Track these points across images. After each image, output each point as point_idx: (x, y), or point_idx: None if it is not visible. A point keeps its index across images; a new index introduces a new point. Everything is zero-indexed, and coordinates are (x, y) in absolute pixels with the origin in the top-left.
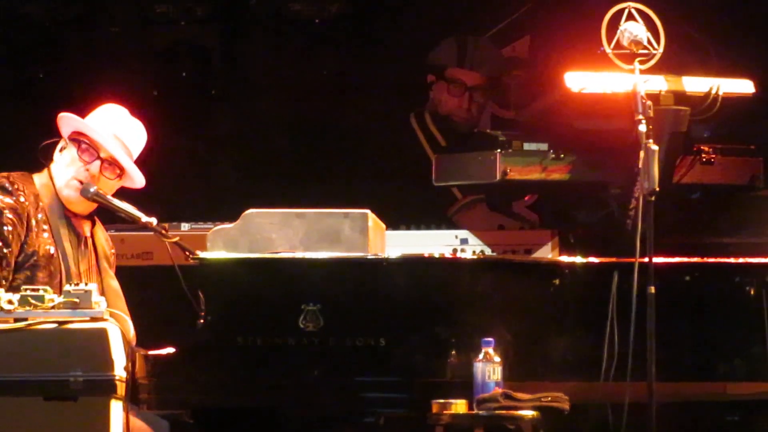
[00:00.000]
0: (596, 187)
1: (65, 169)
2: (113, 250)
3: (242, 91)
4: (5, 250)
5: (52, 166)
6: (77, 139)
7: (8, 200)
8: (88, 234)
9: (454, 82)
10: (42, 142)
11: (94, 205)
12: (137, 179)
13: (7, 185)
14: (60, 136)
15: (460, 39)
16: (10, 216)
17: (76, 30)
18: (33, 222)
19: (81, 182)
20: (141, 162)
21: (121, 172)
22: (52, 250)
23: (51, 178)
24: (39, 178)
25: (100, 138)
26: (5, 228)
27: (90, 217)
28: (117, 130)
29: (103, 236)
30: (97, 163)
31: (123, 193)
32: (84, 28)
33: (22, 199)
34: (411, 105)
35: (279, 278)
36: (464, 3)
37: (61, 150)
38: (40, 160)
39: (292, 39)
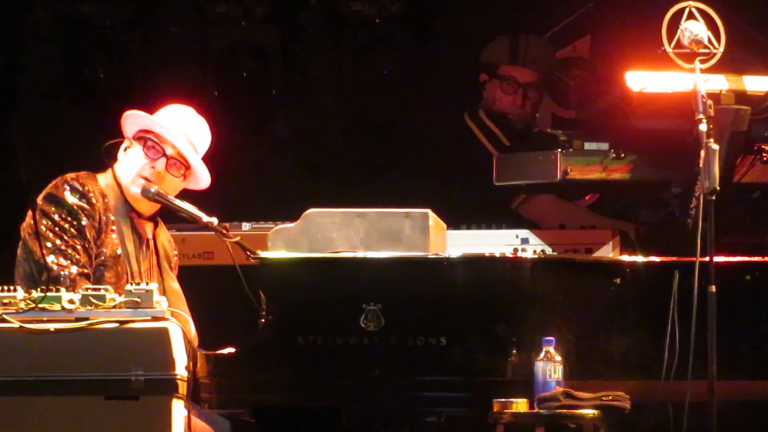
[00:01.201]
0: (657, 187)
1: (130, 168)
2: (176, 252)
3: (302, 90)
4: (84, 244)
5: (116, 165)
6: (143, 137)
7: (81, 201)
8: (150, 235)
9: (507, 80)
10: (104, 143)
11: (158, 206)
12: (203, 178)
13: (78, 186)
14: (123, 137)
15: (512, 37)
16: (84, 216)
17: (135, 30)
18: (103, 221)
19: (146, 179)
20: (203, 161)
21: (187, 170)
22: (119, 251)
23: (115, 178)
24: (103, 179)
25: (168, 134)
26: (82, 222)
27: (153, 218)
28: (184, 127)
29: (165, 237)
30: (163, 160)
31: (183, 193)
32: (144, 29)
33: (93, 200)
34: (472, 104)
35: (340, 278)
36: (524, 2)
37: (125, 149)
38: (103, 160)
39: (352, 39)
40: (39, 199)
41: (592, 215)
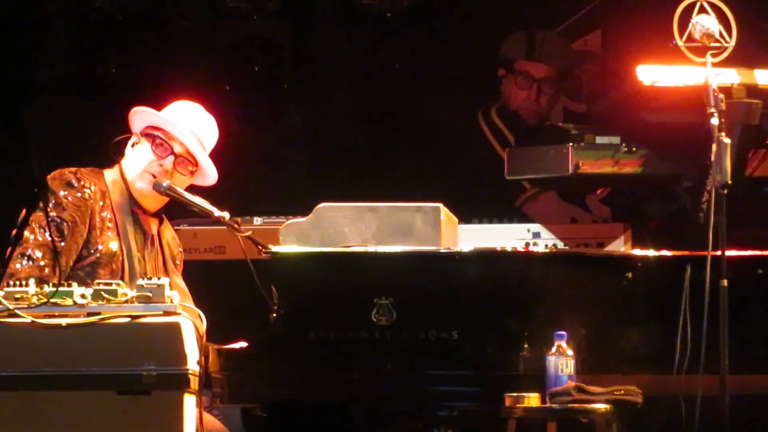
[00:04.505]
0: (669, 181)
1: (137, 164)
2: (180, 249)
3: (314, 85)
4: (60, 243)
5: (124, 161)
6: (151, 133)
7: (71, 197)
8: (155, 232)
9: (522, 75)
10: (114, 138)
11: (165, 201)
12: (210, 175)
13: (73, 181)
14: (131, 132)
15: (529, 32)
16: (72, 211)
17: (147, 24)
18: (97, 219)
19: (154, 176)
20: (213, 156)
21: (194, 167)
22: (115, 248)
23: (122, 173)
24: (110, 174)
25: (177, 132)
26: (64, 222)
27: (158, 215)
28: (192, 125)
29: (170, 234)
30: (171, 158)
31: (195, 187)
32: (155, 23)
33: (87, 195)
34: (483, 99)
35: (351, 272)
36: None
37: (133, 145)
38: (111, 155)
39: (363, 33)
40: None
41: (584, 213)
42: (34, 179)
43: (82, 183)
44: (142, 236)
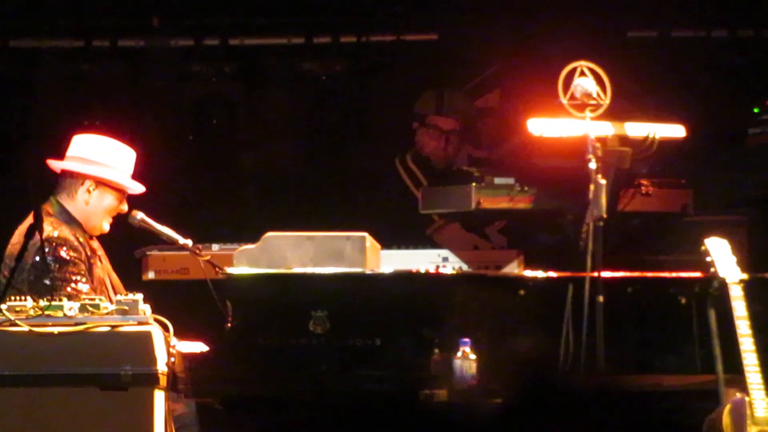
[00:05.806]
0: (554, 215)
1: (99, 209)
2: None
3: (263, 134)
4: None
5: (67, 201)
6: (114, 187)
7: (73, 253)
8: (98, 251)
9: (433, 128)
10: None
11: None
12: (136, 189)
13: (64, 237)
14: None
15: (438, 92)
16: (80, 265)
17: (126, 84)
18: (87, 258)
19: (113, 214)
20: (180, 195)
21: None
22: (100, 274)
23: (66, 210)
24: (59, 215)
25: (127, 183)
26: (84, 269)
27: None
28: (129, 167)
29: (99, 246)
30: (125, 203)
31: (163, 219)
32: (133, 83)
33: (78, 246)
34: (402, 147)
35: (293, 289)
36: (446, 62)
37: (88, 191)
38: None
39: (303, 91)
40: (47, 254)
41: (484, 242)
42: (34, 213)
43: (70, 241)
44: (93, 256)
